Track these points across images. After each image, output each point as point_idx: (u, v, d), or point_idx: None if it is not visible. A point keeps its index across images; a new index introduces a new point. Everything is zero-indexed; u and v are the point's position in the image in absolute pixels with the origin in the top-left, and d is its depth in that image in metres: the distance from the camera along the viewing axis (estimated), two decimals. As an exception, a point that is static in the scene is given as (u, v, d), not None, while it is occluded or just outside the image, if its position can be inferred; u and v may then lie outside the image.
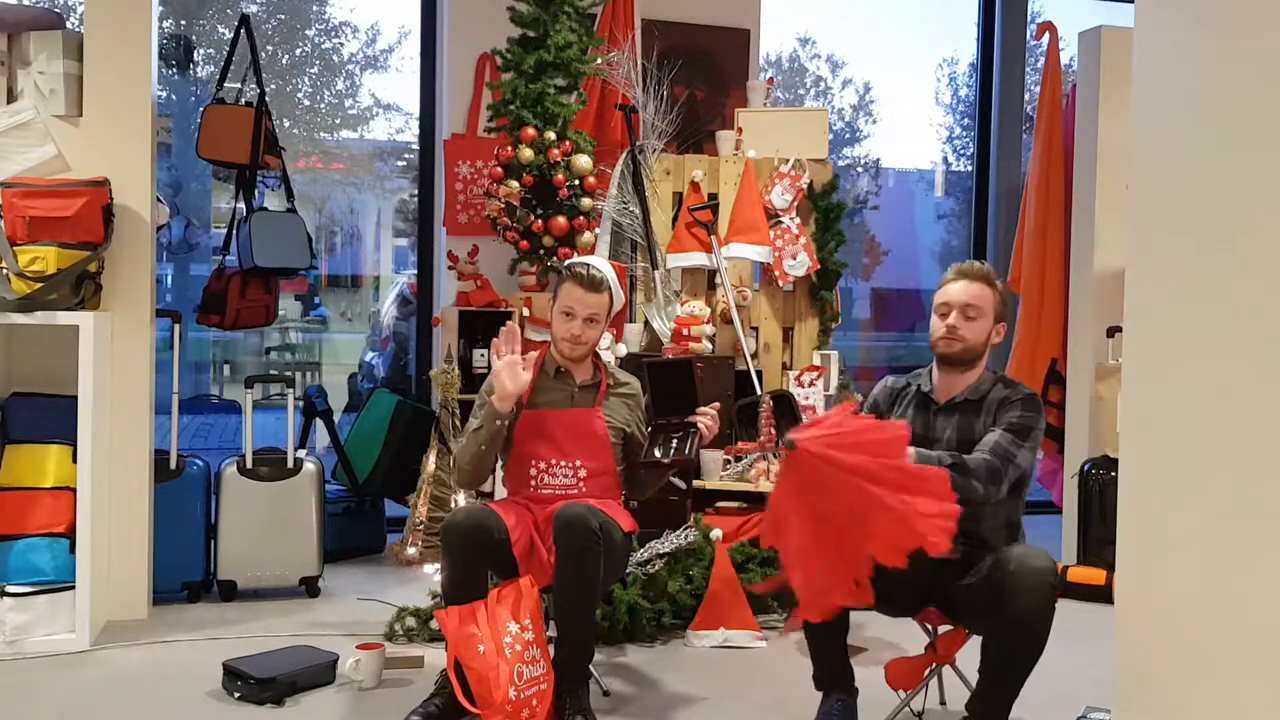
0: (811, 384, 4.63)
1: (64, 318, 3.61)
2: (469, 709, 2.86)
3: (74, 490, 3.64)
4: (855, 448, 2.43)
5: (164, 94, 6.24)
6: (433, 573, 4.27)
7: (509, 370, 3.06)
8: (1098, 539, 4.66)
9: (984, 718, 2.70)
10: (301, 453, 4.33)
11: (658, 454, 3.15)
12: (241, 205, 4.80)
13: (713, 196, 4.73)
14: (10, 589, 3.55)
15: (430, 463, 4.75)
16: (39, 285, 3.56)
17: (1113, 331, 4.83)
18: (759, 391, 4.52)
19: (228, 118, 4.71)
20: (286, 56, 7.13)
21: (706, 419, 3.15)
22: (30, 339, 3.81)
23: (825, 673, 2.89)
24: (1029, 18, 6.41)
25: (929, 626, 3.00)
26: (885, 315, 8.31)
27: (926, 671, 2.92)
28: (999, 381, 2.90)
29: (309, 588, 4.26)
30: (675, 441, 3.17)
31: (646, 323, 4.65)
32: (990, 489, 2.68)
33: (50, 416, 3.72)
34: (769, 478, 4.20)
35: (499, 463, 3.34)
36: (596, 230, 4.55)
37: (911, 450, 2.60)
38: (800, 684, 2.89)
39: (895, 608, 2.95)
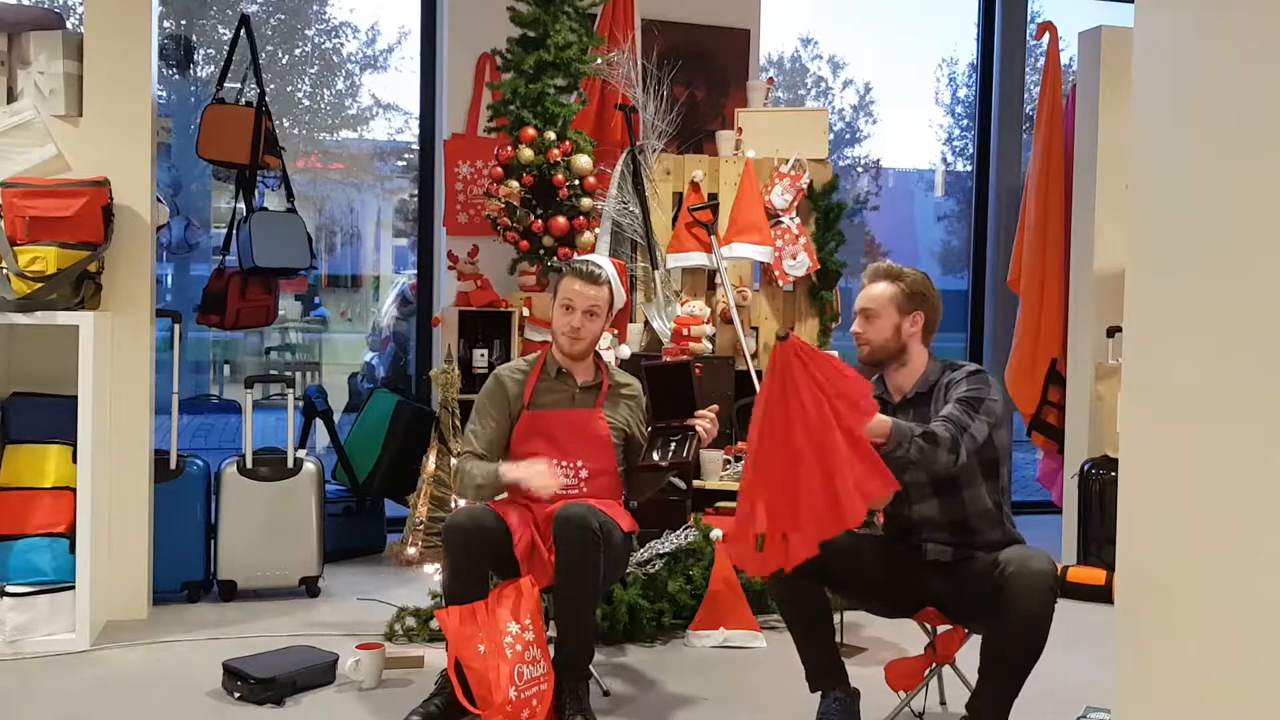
0: (811, 384, 4.62)
1: (64, 318, 3.61)
2: (469, 709, 2.87)
3: (74, 490, 3.64)
4: (837, 380, 2.56)
5: (164, 94, 6.24)
6: (433, 573, 4.27)
7: (544, 480, 3.08)
8: (1098, 539, 4.66)
9: (984, 718, 2.70)
10: (301, 453, 4.33)
11: (656, 457, 3.15)
12: (241, 205, 4.81)
13: (713, 196, 4.73)
14: (10, 589, 3.55)
15: (430, 463, 4.74)
16: (39, 285, 3.56)
17: (1113, 331, 4.83)
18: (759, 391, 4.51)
19: (228, 118, 4.71)
20: (286, 56, 7.13)
21: (705, 422, 3.15)
22: (30, 339, 3.81)
23: (816, 671, 2.89)
24: (1029, 18, 6.40)
25: (928, 626, 3.00)
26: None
27: (926, 671, 2.93)
28: (946, 368, 2.91)
29: (309, 588, 4.26)
30: (674, 444, 3.16)
31: (646, 323, 4.65)
32: (951, 456, 2.69)
33: (50, 416, 3.72)
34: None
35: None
36: (596, 230, 4.55)
37: (887, 419, 2.64)
38: (801, 684, 2.89)
39: (894, 608, 2.95)
